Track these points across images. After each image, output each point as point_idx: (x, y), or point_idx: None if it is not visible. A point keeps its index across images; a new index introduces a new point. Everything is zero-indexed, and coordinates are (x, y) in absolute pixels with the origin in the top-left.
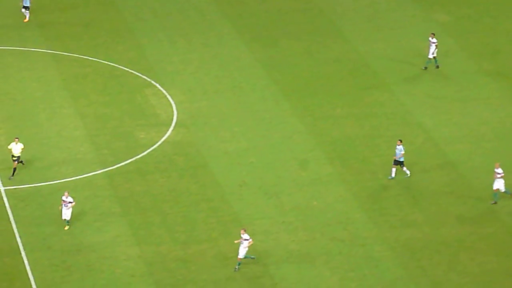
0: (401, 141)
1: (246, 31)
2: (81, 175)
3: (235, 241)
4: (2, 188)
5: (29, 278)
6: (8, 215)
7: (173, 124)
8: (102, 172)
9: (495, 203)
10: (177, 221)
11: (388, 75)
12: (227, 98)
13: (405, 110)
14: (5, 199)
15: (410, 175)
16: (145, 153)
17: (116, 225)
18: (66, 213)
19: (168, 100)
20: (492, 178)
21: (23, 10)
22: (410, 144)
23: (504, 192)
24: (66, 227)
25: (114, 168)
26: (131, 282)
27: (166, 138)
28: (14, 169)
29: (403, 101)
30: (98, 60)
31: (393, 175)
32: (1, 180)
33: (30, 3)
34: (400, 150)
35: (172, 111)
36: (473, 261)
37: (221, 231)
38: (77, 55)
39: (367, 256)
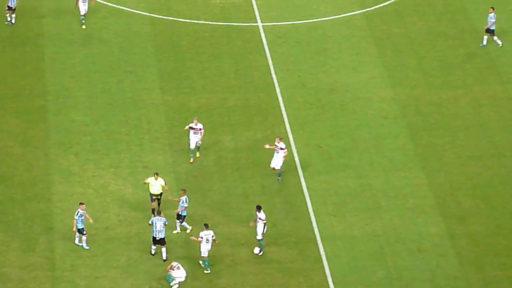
0: None
1: None
2: (339, 15)
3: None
4: (260, 24)
5: (282, 114)
6: (265, 50)
7: None
8: (360, 13)
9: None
10: (432, 65)
11: None
12: None
13: None
14: (262, 34)
15: None
16: None
17: (371, 66)
18: None
19: None
20: None
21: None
22: None
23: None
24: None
25: (373, 9)
26: (384, 124)
27: None
28: (153, 210)
29: None
30: None
31: None
32: (260, 16)
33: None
34: None
35: None
36: None
37: (476, 78)
38: None
39: None
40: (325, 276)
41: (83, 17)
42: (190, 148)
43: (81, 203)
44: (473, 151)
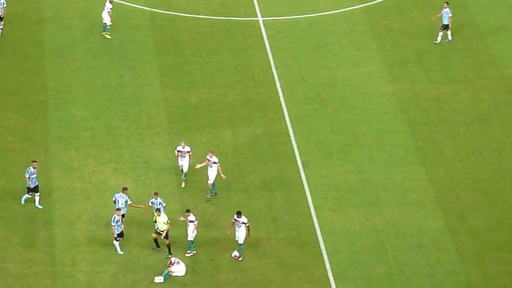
0: None
1: None
2: (339, 9)
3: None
4: (261, 19)
5: (282, 109)
6: (265, 45)
7: None
8: (361, 8)
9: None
10: (433, 60)
11: None
12: None
13: None
14: (262, 29)
15: None
16: None
17: (371, 61)
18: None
19: None
20: None
21: None
22: None
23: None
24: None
25: (373, 4)
26: (384, 119)
27: None
28: (168, 246)
29: None
30: None
31: None
32: (260, 10)
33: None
34: None
35: None
36: None
37: (477, 73)
38: None
39: None
40: (326, 271)
41: (109, 27)
42: (182, 172)
43: (117, 209)
44: (473, 146)
